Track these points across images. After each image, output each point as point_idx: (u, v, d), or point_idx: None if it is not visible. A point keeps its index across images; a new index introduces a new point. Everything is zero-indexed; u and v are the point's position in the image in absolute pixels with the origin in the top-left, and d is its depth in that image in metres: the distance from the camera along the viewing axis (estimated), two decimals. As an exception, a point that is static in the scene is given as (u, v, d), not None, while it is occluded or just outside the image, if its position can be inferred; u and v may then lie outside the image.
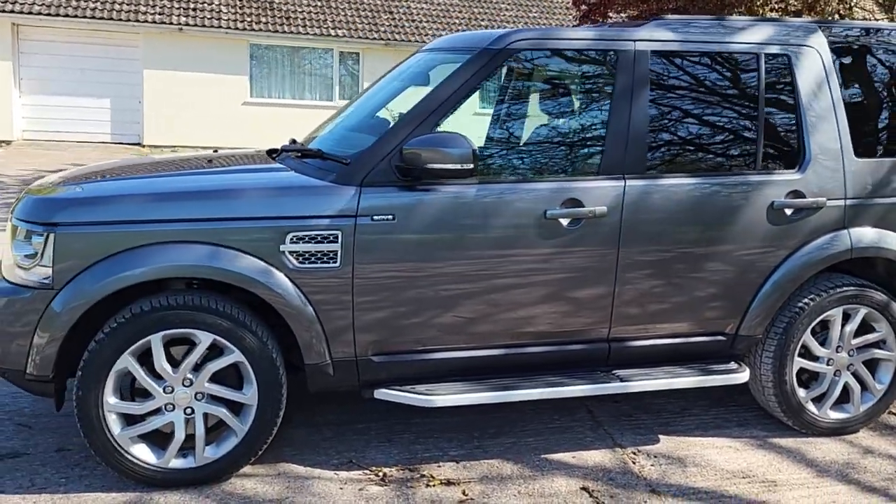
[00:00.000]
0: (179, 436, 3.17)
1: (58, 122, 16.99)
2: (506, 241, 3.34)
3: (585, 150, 3.53)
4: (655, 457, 3.63)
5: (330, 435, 3.73)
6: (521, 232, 3.35)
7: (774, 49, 3.70)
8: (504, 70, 3.43)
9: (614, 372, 3.62)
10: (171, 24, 17.06)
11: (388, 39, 18.58)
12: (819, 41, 3.77)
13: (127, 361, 3.08)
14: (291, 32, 17.99)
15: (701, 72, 3.65)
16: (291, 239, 3.15)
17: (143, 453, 3.16)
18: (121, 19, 16.76)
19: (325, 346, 3.26)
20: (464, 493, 3.26)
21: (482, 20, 20.12)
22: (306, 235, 3.16)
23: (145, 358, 3.12)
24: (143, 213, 3.06)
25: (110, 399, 3.09)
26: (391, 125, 3.39)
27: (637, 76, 3.49)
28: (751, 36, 3.70)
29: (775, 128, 3.70)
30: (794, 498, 3.31)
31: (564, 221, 3.38)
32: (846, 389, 3.91)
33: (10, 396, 4.06)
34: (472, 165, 3.11)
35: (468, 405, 3.39)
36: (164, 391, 3.13)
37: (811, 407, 3.87)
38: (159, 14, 17.15)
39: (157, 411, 3.16)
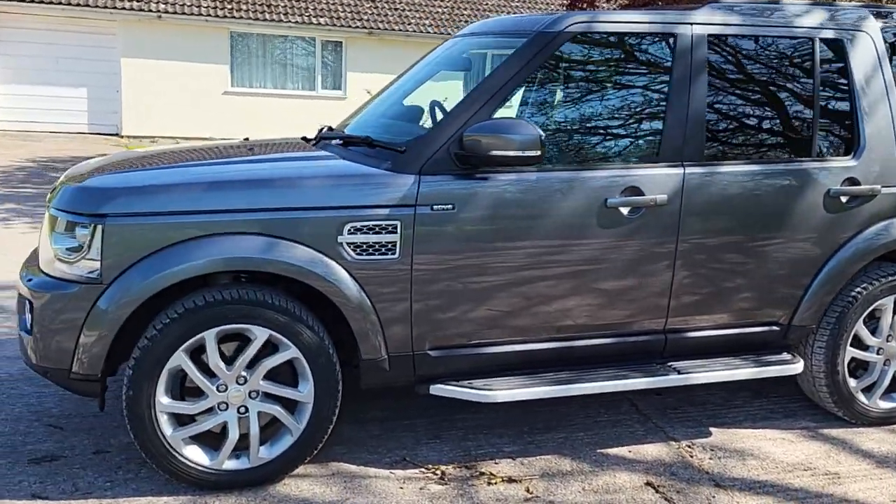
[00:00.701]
0: (233, 436, 3.03)
1: (34, 113, 16.55)
2: (566, 230, 3.24)
3: (644, 137, 3.43)
4: (712, 450, 3.57)
5: (377, 432, 3.61)
6: (580, 221, 3.25)
7: (829, 34, 3.63)
8: (559, 54, 3.30)
9: (670, 364, 3.54)
10: (150, 11, 16.68)
11: (372, 28, 18.37)
12: (872, 26, 3.71)
13: (181, 359, 2.93)
14: (273, 20, 17.70)
15: (756, 57, 3.57)
16: (349, 230, 3.01)
17: (195, 455, 3.02)
18: (98, 6, 16.35)
19: (381, 341, 3.13)
20: (527, 490, 3.16)
21: (465, 10, 19.98)
22: (365, 226, 3.03)
23: (196, 356, 2.98)
24: (197, 203, 2.91)
25: (163, 399, 2.94)
26: (447, 112, 3.26)
27: (695, 61, 3.41)
28: (805, 20, 3.63)
29: (830, 114, 3.64)
30: (861, 490, 3.26)
31: (624, 210, 3.29)
32: (895, 379, 3.88)
33: (35, 396, 3.88)
34: (539, 153, 2.99)
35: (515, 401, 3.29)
36: (217, 390, 2.99)
37: (861, 397, 3.83)
38: (137, 1, 16.75)
39: (209, 411, 3.01)
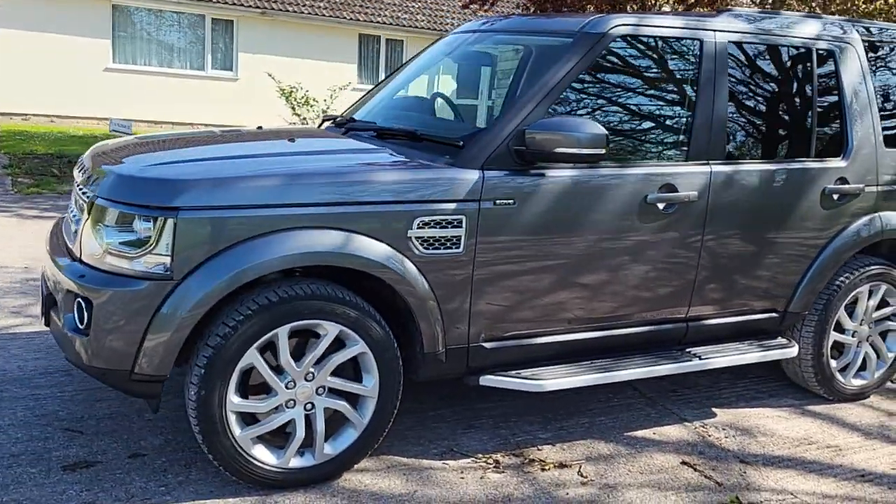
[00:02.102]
0: (300, 433, 2.98)
1: None
2: (611, 224, 3.38)
3: (676, 137, 3.61)
4: (724, 429, 3.84)
5: (411, 423, 3.63)
6: (625, 216, 3.40)
7: (823, 44, 3.96)
8: (604, 54, 3.42)
9: (689, 350, 3.77)
10: (25, -22, 15.47)
11: (265, 8, 17.84)
12: (856, 38, 4.08)
13: (253, 357, 2.84)
14: (160, -6, 16.86)
15: (767, 63, 3.85)
16: (419, 224, 3.02)
17: (263, 454, 2.95)
18: (-36, -30, 14.98)
19: (441, 334, 3.16)
20: (580, 473, 3.30)
21: (358, -7, 19.76)
22: (432, 220, 3.04)
23: (263, 353, 2.90)
24: (272, 196, 2.82)
25: (234, 398, 2.85)
26: (503, 107, 3.30)
27: (718, 65, 3.63)
28: (805, 30, 3.94)
29: (825, 118, 3.97)
30: (864, 459, 3.62)
31: (661, 206, 3.47)
32: (864, 358, 4.30)
33: (33, 399, 3.63)
34: (604, 150, 3.11)
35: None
36: (286, 387, 2.93)
37: (839, 376, 4.23)
38: (10, -34, 15.48)
39: (276, 409, 2.95)
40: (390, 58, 19.49)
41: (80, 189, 3.15)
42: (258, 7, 17.81)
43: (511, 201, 3.16)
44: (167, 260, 2.73)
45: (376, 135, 3.61)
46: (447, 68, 4.23)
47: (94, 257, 2.87)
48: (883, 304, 4.29)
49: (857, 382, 4.30)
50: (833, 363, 4.19)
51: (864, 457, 3.65)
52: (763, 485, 3.31)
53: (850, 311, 4.22)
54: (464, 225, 3.09)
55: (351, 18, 18.65)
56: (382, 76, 19.31)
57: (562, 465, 3.35)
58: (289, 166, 3.09)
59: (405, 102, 4.23)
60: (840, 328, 4.20)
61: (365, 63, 19.23)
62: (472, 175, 3.11)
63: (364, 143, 3.53)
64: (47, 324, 3.18)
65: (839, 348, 4.27)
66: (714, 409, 4.06)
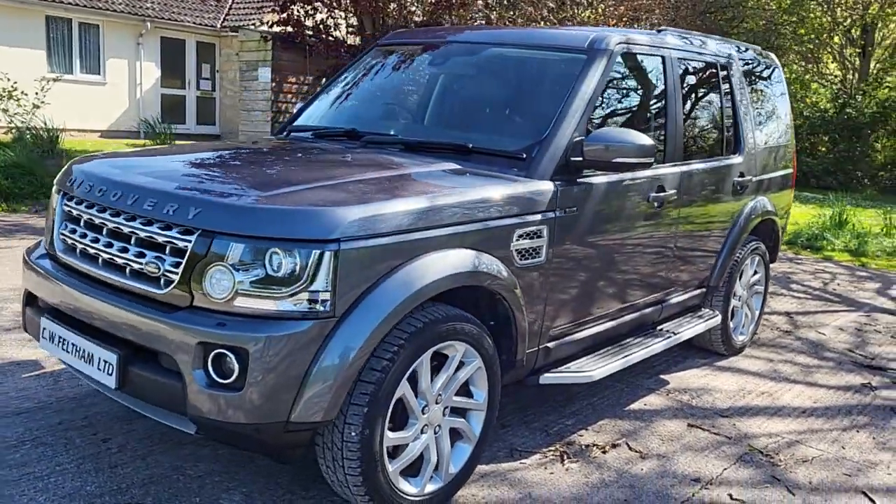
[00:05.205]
0: (434, 457, 2.94)
1: None
2: (634, 222, 3.80)
3: (661, 140, 4.08)
4: (686, 392, 4.46)
5: (455, 432, 3.68)
6: (642, 213, 3.83)
7: (723, 61, 4.72)
8: (612, 68, 3.77)
9: (662, 328, 4.33)
10: None
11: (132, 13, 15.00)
12: (736, 57, 4.92)
13: (405, 388, 2.74)
14: None
15: (698, 76, 4.50)
16: (517, 237, 3.12)
17: (405, 486, 2.86)
18: None
19: (525, 341, 3.30)
20: (630, 449, 3.66)
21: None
22: (525, 232, 3.16)
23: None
24: (414, 220, 2.72)
25: (389, 433, 2.72)
26: (554, 120, 3.45)
27: (672, 77, 4.17)
28: (714, 49, 4.67)
29: (732, 122, 4.76)
30: (793, 397, 4.48)
31: (656, 203, 3.94)
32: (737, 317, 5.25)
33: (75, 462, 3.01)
34: (652, 159, 3.46)
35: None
36: (422, 412, 2.86)
37: (733, 335, 5.11)
38: None
39: (414, 437, 2.87)
40: (85, 44, 17.53)
41: (117, 218, 2.75)
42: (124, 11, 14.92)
43: (574, 208, 3.39)
44: (327, 296, 2.52)
45: (404, 148, 3.57)
46: (447, 79, 4.21)
47: (217, 301, 2.53)
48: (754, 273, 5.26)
49: (741, 338, 5.23)
50: (731, 324, 5.05)
51: (792, 395, 4.52)
52: (752, 432, 3.97)
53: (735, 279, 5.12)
54: (545, 234, 3.25)
55: (34, -3, 16.42)
56: (77, 64, 17.35)
57: (613, 446, 3.68)
58: (414, 188, 2.97)
59: (409, 112, 4.18)
60: (735, 295, 5.07)
61: (55, 49, 17.05)
62: (549, 186, 3.28)
63: (415, 157, 3.45)
64: (122, 386, 2.69)
65: (733, 314, 5.15)
66: (664, 377, 4.67)
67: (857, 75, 22.72)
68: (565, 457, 3.53)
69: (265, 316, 2.50)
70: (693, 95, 4.48)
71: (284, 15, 12.23)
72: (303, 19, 12.29)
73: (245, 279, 2.51)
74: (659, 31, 4.37)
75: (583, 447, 3.64)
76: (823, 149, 20.49)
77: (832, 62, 24.99)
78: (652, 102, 4.13)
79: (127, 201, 2.77)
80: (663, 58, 4.13)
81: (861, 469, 3.63)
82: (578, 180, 3.44)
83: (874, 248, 9.83)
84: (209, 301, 2.54)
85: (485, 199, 3.01)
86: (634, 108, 4.06)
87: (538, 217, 3.21)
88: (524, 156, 3.35)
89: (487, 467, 3.38)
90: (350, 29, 12.89)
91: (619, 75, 3.91)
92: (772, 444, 3.84)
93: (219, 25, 19.47)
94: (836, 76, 24.34)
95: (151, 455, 3.26)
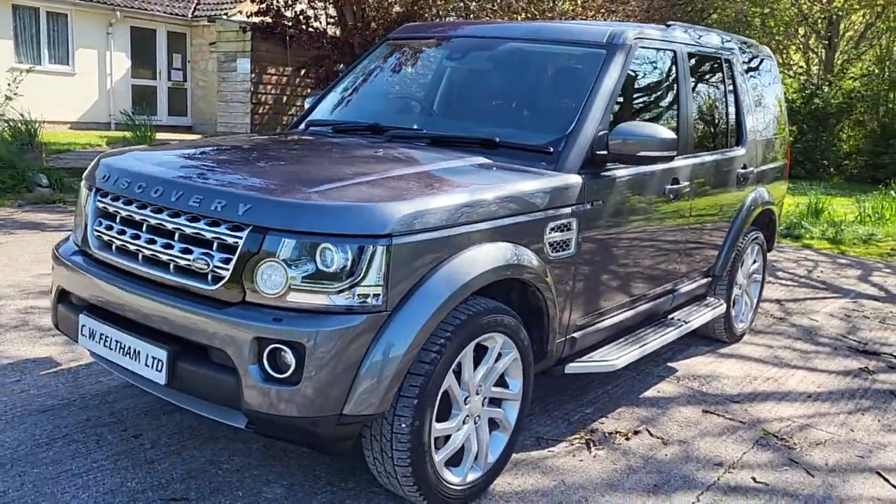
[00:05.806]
0: (475, 447, 2.99)
1: None
2: (653, 212, 3.87)
3: (679, 133, 4.15)
4: (695, 379, 4.56)
5: (480, 422, 3.74)
6: (659, 205, 3.91)
7: (726, 53, 4.82)
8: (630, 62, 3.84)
9: (673, 317, 4.42)
10: None
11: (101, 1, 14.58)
12: (737, 49, 5.02)
13: (451, 380, 2.79)
14: None
15: (703, 69, 4.59)
16: (549, 229, 3.18)
17: (449, 476, 2.90)
18: None
19: (556, 331, 3.36)
20: (651, 435, 3.75)
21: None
22: (556, 225, 3.22)
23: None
24: (460, 214, 2.76)
25: (436, 424, 2.77)
26: (579, 114, 3.50)
27: (683, 71, 4.26)
28: (717, 42, 4.76)
29: (735, 114, 4.86)
30: (797, 382, 4.62)
31: (671, 195, 4.02)
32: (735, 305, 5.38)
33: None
34: (675, 152, 3.54)
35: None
36: (464, 403, 2.91)
37: (735, 322, 5.23)
38: None
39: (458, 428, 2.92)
40: (53, 34, 17.18)
41: (159, 214, 2.76)
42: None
43: (600, 201, 3.46)
44: (379, 290, 2.55)
45: (431, 142, 3.60)
46: (466, 73, 4.24)
47: (270, 297, 2.55)
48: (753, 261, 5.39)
49: (741, 326, 5.36)
50: (733, 311, 5.17)
51: (795, 380, 4.65)
52: (764, 417, 4.08)
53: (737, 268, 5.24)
54: (574, 227, 3.32)
55: (0, -13, 16.06)
56: (46, 55, 17.01)
57: (635, 432, 3.77)
58: (454, 183, 3.01)
59: (428, 106, 4.20)
60: (737, 283, 5.19)
61: (22, 39, 16.70)
62: (577, 179, 3.34)
63: (444, 152, 3.48)
64: (171, 382, 2.70)
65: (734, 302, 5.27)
66: (671, 365, 4.77)
67: (822, 67, 23.19)
68: (591, 444, 3.61)
69: (318, 311, 2.53)
70: (701, 88, 4.57)
71: (263, 5, 12.13)
72: (282, 10, 12.20)
73: (297, 275, 2.53)
74: (668, 26, 4.45)
75: (606, 434, 3.72)
76: (791, 139, 20.88)
77: (796, 53, 25.47)
78: (665, 96, 4.21)
79: (170, 197, 2.76)
80: (674, 52, 4.21)
81: (872, 450, 3.76)
82: (602, 174, 3.50)
83: (850, 237, 10.09)
84: (261, 297, 2.55)
85: (522, 193, 3.06)
86: (649, 102, 4.14)
87: (569, 210, 3.27)
88: (551, 150, 3.41)
89: (518, 456, 3.44)
90: (330, 20, 12.81)
91: (635, 70, 3.97)
92: (784, 427, 3.96)
93: (190, 15, 19.21)
94: (801, 67, 24.81)
95: (185, 450, 3.27)
